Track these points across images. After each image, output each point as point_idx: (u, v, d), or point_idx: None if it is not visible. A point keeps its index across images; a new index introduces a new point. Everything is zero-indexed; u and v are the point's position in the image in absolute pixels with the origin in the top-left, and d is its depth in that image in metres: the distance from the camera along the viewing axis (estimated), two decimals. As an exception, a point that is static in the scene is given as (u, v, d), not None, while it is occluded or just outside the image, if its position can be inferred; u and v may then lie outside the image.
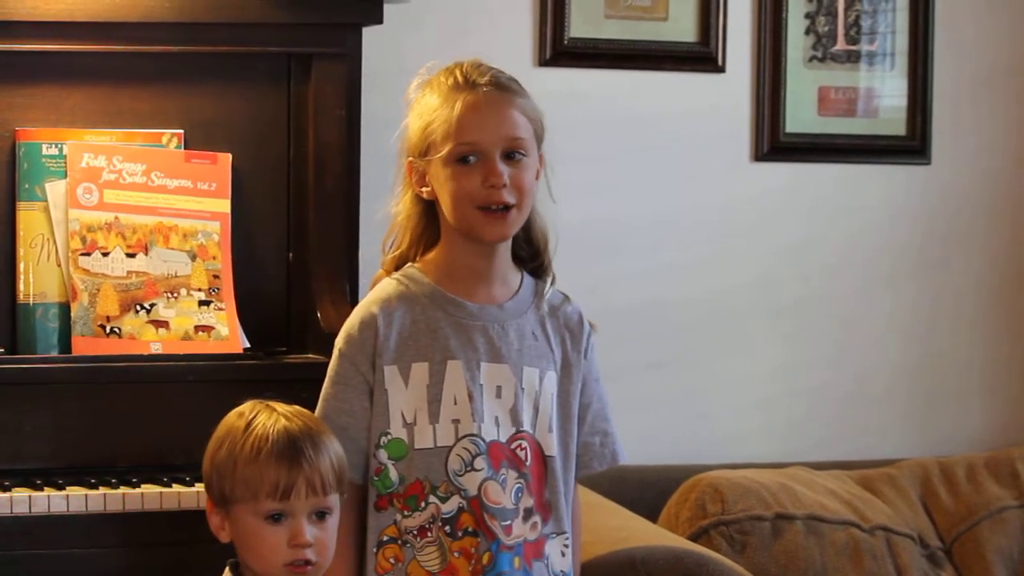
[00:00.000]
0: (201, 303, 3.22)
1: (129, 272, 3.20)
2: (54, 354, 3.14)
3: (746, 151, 4.06)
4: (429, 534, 2.63)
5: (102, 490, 2.90)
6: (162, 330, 3.18)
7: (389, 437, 2.64)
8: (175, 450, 2.99)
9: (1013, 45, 4.23)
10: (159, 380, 3.05)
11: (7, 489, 2.88)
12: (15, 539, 2.85)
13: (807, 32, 4.08)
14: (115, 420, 3.00)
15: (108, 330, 3.15)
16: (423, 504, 2.63)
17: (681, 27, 3.98)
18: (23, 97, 3.23)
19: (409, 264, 2.72)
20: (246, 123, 3.34)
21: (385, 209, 2.76)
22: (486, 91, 2.63)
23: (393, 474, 2.64)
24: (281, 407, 2.51)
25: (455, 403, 2.64)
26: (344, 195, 3.29)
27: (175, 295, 3.21)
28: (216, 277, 3.24)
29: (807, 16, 4.08)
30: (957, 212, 4.22)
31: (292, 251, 3.35)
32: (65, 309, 3.17)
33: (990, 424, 4.27)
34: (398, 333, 2.65)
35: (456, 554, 2.63)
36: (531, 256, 2.75)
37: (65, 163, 3.20)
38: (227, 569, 2.52)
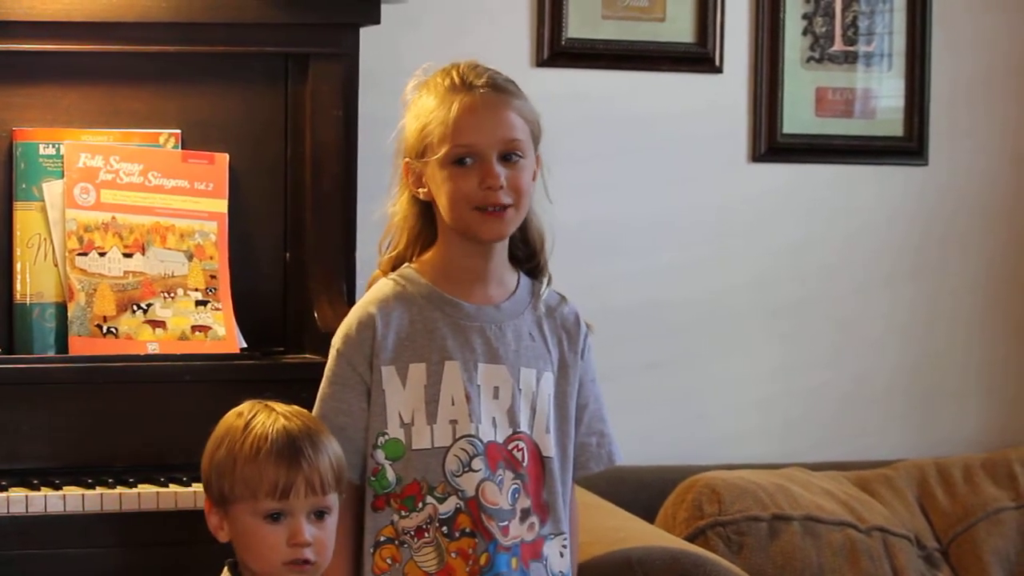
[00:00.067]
0: (198, 303, 3.21)
1: (126, 272, 3.20)
2: (51, 354, 3.14)
3: (743, 152, 4.06)
4: (426, 535, 2.63)
5: (99, 490, 2.89)
6: (159, 330, 3.18)
7: (386, 437, 2.64)
8: (172, 450, 2.99)
9: (1010, 46, 4.23)
10: (156, 380, 3.04)
11: (4, 489, 2.87)
12: (12, 539, 2.84)
13: (804, 33, 4.08)
14: (112, 420, 2.99)
15: (105, 330, 3.14)
16: (420, 505, 2.63)
17: (678, 28, 3.98)
18: (20, 97, 3.23)
19: (406, 265, 2.72)
20: (243, 123, 3.33)
21: (382, 209, 2.76)
22: (483, 93, 2.63)
23: (390, 474, 2.64)
24: (280, 407, 2.51)
25: (453, 404, 2.63)
26: (341, 195, 3.29)
27: (172, 295, 3.20)
28: (213, 277, 3.23)
29: (804, 17, 4.08)
30: (954, 213, 4.22)
31: (289, 251, 3.35)
32: (62, 309, 3.16)
33: (988, 425, 4.26)
34: (396, 333, 2.65)
35: (453, 555, 2.63)
36: (527, 256, 2.75)
37: (62, 163, 3.20)
38: (225, 569, 2.52)
